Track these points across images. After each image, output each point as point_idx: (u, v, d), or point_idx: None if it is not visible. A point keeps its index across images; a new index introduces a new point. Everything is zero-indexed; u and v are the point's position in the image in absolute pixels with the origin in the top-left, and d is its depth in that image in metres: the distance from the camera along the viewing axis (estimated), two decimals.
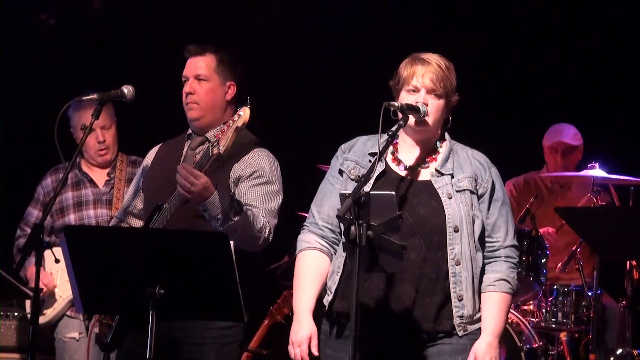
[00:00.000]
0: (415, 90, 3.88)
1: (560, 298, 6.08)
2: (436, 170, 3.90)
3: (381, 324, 3.81)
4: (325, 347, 3.89)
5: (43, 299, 5.49)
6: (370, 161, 3.91)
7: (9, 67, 6.95)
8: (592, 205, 5.91)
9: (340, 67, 7.35)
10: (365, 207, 3.51)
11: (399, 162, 3.95)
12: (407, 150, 3.96)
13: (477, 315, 3.85)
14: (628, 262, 5.84)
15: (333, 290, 3.88)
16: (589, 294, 5.94)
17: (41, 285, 5.37)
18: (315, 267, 3.90)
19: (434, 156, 3.94)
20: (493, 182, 3.93)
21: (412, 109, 3.83)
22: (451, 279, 3.80)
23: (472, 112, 5.44)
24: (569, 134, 6.63)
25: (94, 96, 4.30)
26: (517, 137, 6.99)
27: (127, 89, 4.36)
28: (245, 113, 4.02)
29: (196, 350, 4.24)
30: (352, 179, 3.91)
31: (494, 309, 3.85)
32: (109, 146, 5.64)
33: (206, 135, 4.42)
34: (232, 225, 4.10)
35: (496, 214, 3.92)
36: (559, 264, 6.16)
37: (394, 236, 3.55)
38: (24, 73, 7.12)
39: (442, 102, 3.89)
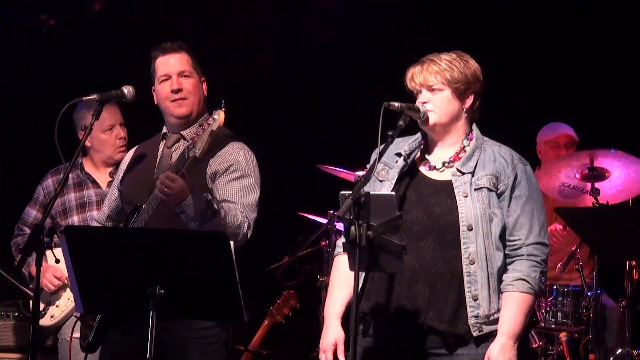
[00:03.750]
0: (419, 92, 3.89)
1: (560, 298, 6.07)
2: (457, 169, 3.86)
3: (396, 325, 3.81)
4: (358, 347, 3.85)
5: (49, 300, 5.47)
6: (397, 161, 3.93)
7: (9, 67, 6.95)
8: (592, 205, 5.91)
9: (341, 67, 7.35)
10: (365, 207, 3.52)
11: (425, 161, 3.94)
12: (434, 150, 3.95)
13: (495, 316, 3.78)
14: (628, 262, 5.84)
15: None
16: (589, 294, 5.93)
17: (52, 282, 5.37)
18: (346, 272, 3.80)
19: (460, 155, 3.90)
20: (516, 178, 3.85)
21: (412, 109, 3.84)
22: (465, 279, 3.76)
23: None
24: (569, 128, 6.62)
25: (94, 96, 4.30)
26: (513, 139, 6.96)
27: (127, 89, 4.38)
28: (220, 117, 4.05)
29: (180, 351, 4.23)
30: (380, 180, 3.91)
31: (510, 309, 3.76)
32: (126, 143, 5.64)
33: (181, 132, 4.44)
34: (210, 226, 4.11)
35: (518, 210, 3.82)
36: (559, 264, 6.15)
37: (394, 236, 3.55)
38: (24, 73, 7.12)
39: (444, 94, 3.86)
